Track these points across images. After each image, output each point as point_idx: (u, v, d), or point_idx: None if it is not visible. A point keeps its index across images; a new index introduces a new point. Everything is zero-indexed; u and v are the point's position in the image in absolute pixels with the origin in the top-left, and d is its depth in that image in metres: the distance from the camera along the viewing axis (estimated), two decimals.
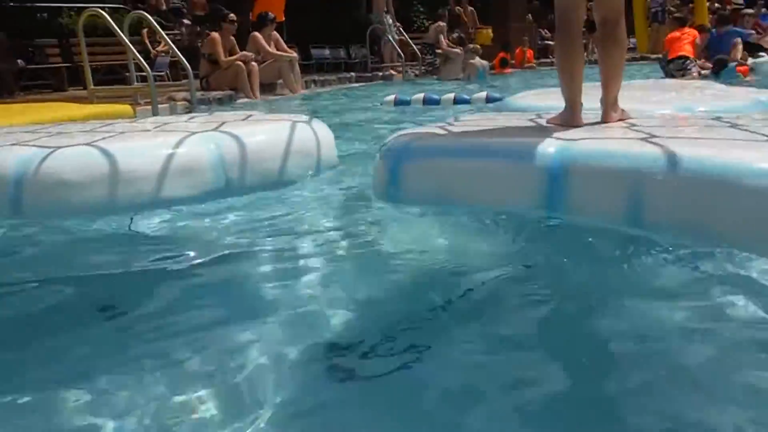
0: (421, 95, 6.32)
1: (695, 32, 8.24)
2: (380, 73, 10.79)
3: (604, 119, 2.35)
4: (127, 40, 5.91)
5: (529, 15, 16.34)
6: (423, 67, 11.89)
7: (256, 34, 8.38)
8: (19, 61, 9.64)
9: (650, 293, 1.52)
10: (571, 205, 1.74)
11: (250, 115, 2.99)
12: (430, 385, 1.15)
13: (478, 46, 11.13)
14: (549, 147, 1.81)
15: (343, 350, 1.27)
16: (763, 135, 1.80)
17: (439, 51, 11.47)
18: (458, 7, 13.97)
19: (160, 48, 9.83)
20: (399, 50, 10.79)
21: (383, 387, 1.15)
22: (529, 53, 14.23)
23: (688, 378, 1.16)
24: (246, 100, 7.54)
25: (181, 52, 10.07)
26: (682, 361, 1.22)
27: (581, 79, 2.41)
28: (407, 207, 2.11)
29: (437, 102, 6.20)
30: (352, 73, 10.89)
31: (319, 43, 13.61)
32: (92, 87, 6.14)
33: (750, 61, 7.85)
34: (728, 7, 13.35)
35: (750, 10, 10.86)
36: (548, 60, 15.04)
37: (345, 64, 13.61)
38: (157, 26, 6.57)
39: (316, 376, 1.19)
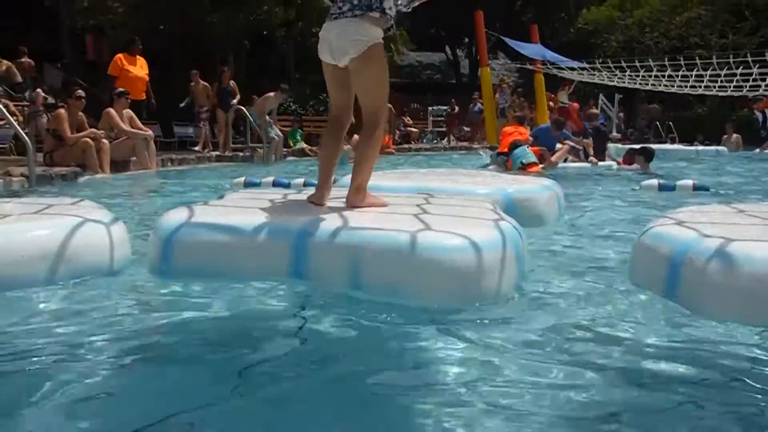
0: (270, 178, 6.56)
1: (527, 133, 9.19)
2: (241, 154, 10.93)
3: (348, 203, 2.71)
4: None
5: (390, 104, 17.34)
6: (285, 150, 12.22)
7: (110, 110, 8.29)
8: None
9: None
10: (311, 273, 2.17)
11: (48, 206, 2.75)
12: None
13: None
14: (292, 226, 2.25)
15: None
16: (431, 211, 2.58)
17: None
18: None
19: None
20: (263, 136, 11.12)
21: None
22: (387, 140, 15.05)
23: None
24: (94, 176, 7.36)
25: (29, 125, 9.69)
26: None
27: (333, 168, 2.84)
28: (176, 281, 2.24)
29: (287, 185, 6.44)
30: (213, 153, 10.95)
31: (182, 120, 13.58)
32: None
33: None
34: (553, 104, 15.01)
35: (595, 110, 12.18)
36: (407, 146, 15.99)
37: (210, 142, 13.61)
38: None
39: None
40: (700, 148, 14.21)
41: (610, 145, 10.72)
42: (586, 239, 3.57)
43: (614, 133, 17.81)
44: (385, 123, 2.87)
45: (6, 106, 9.70)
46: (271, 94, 11.83)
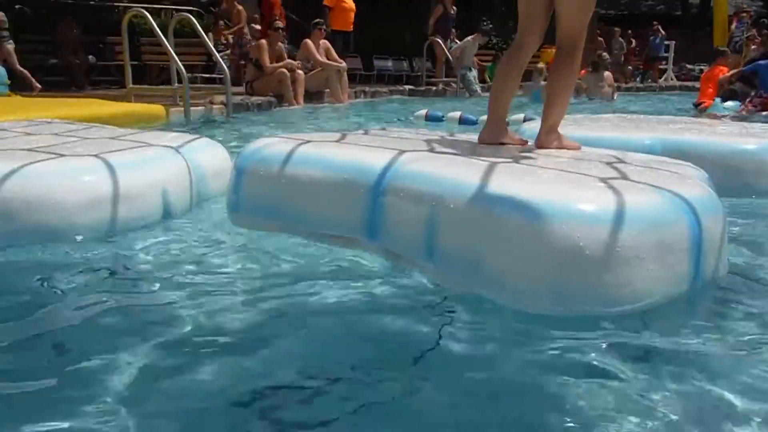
0: (458, 113, 6.24)
1: (725, 70, 7.76)
2: (433, 88, 10.69)
3: (538, 144, 2.33)
4: (166, 42, 6.09)
5: (600, 38, 15.83)
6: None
7: (308, 41, 8.49)
8: (90, 56, 10.17)
9: None
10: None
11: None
12: None
13: (543, 66, 10.83)
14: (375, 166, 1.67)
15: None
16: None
17: None
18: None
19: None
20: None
21: None
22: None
23: None
24: (288, 107, 7.63)
25: (245, 57, 10.34)
26: None
27: (506, 103, 2.41)
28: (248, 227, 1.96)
29: (474, 122, 6.08)
30: (406, 86, 10.85)
31: (383, 54, 13.67)
32: (131, 86, 6.35)
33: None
34: None
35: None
36: (617, 85, 14.52)
37: (407, 76, 13.58)
38: (200, 30, 6.75)
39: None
40: None
41: None
42: None
43: None
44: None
45: (226, 38, 10.50)
46: (470, 38, 11.25)
